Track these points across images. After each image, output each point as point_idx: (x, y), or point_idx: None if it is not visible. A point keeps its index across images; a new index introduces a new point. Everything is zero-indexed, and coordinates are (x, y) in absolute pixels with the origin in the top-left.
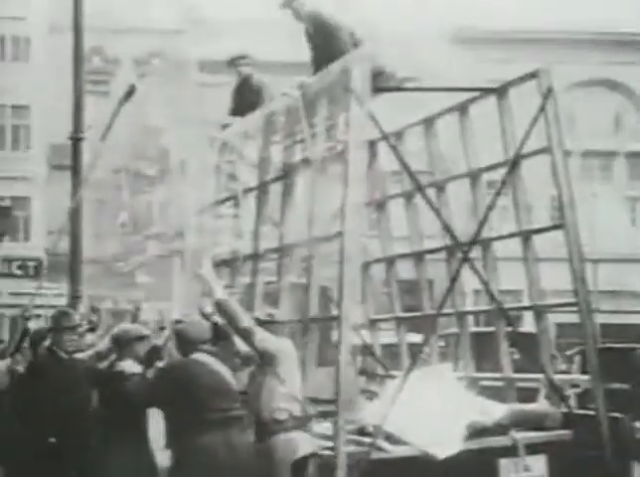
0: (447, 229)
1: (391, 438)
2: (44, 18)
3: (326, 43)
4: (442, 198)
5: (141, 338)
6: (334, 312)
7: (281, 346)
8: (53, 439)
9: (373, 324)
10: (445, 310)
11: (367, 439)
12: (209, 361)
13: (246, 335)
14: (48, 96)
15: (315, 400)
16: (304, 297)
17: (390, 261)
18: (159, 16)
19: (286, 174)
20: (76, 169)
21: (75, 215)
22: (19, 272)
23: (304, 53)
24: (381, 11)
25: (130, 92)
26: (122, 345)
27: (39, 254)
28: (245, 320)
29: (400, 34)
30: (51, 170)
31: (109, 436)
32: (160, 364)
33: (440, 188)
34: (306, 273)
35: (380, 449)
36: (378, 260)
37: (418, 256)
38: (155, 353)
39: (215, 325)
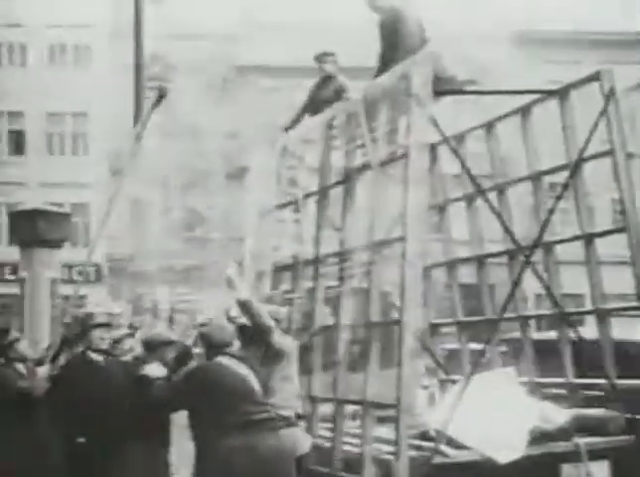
0: (509, 232)
1: (452, 443)
2: (105, 25)
3: (396, 35)
4: (503, 201)
5: (169, 343)
6: (395, 317)
7: (292, 345)
8: (82, 440)
9: (434, 328)
10: (507, 315)
11: (429, 444)
12: (233, 364)
13: (267, 333)
14: (107, 103)
15: (377, 405)
16: (365, 302)
17: (451, 265)
18: (219, 21)
19: (347, 178)
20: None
21: (135, 218)
22: (79, 278)
23: (361, 57)
24: (443, 12)
25: (161, 96)
26: (152, 349)
27: (98, 260)
28: (268, 319)
29: (463, 35)
30: (110, 175)
31: (133, 440)
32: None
33: (501, 191)
34: (367, 278)
35: (441, 454)
36: (439, 264)
37: (480, 260)
38: (186, 354)
39: (241, 328)
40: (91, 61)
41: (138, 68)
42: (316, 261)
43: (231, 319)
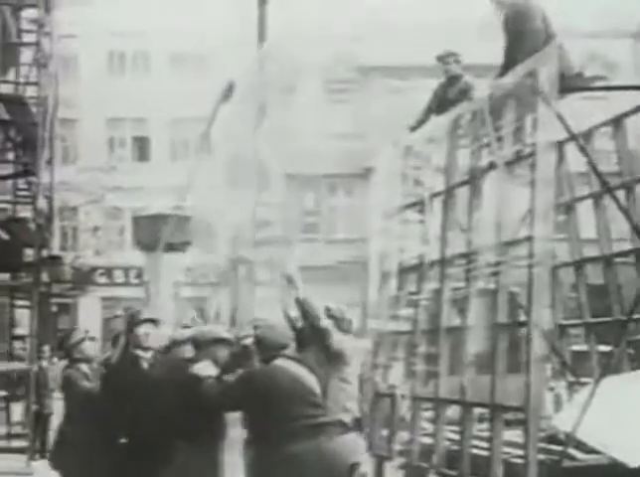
0: (637, 230)
1: (582, 446)
2: (225, 30)
3: (521, 31)
4: (632, 199)
5: (220, 341)
6: (523, 318)
7: (353, 346)
8: (124, 440)
9: (561, 330)
10: (636, 315)
11: (557, 447)
12: (291, 366)
13: (325, 335)
14: (229, 107)
15: (505, 408)
16: (492, 303)
17: (578, 265)
18: (343, 22)
19: (473, 178)
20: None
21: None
22: (202, 281)
23: (486, 54)
24: (569, 8)
25: (229, 90)
26: (200, 347)
27: (222, 263)
28: (325, 320)
29: (589, 31)
30: (233, 177)
31: (181, 441)
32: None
33: (630, 189)
34: (494, 279)
35: (571, 458)
36: (566, 264)
37: (607, 260)
38: (243, 355)
39: (300, 330)
40: (213, 66)
41: (263, 72)
42: (442, 262)
43: (289, 319)
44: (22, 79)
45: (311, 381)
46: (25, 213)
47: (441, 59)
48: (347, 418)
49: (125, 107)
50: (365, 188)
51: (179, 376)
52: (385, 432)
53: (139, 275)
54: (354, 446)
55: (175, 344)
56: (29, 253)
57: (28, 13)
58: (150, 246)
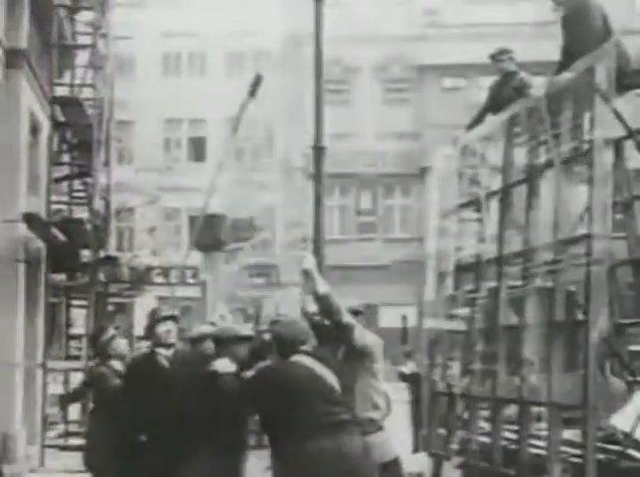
0: None
1: None
2: (281, 31)
3: (581, 29)
4: None
5: (241, 338)
6: (580, 316)
7: (377, 342)
8: (143, 438)
9: (619, 329)
10: None
11: (616, 447)
12: (308, 363)
13: (347, 330)
14: (287, 107)
15: (563, 407)
16: (550, 301)
17: (636, 263)
18: (398, 22)
19: (530, 176)
20: (317, 177)
21: (317, 221)
22: (260, 280)
23: (542, 52)
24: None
25: (257, 83)
26: (221, 344)
27: (279, 262)
28: (346, 315)
29: None
30: (292, 179)
31: (201, 439)
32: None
33: None
34: (552, 277)
35: (629, 458)
36: (624, 263)
37: None
38: (262, 351)
39: (319, 326)
40: (269, 66)
41: (318, 71)
42: (499, 261)
43: (307, 315)
44: (78, 82)
45: (329, 377)
46: (81, 214)
47: (494, 56)
48: (377, 416)
49: (181, 108)
50: (421, 187)
51: (199, 372)
52: (442, 432)
53: (195, 275)
54: (385, 445)
55: (196, 341)
56: (86, 254)
57: (83, 15)
58: (207, 246)
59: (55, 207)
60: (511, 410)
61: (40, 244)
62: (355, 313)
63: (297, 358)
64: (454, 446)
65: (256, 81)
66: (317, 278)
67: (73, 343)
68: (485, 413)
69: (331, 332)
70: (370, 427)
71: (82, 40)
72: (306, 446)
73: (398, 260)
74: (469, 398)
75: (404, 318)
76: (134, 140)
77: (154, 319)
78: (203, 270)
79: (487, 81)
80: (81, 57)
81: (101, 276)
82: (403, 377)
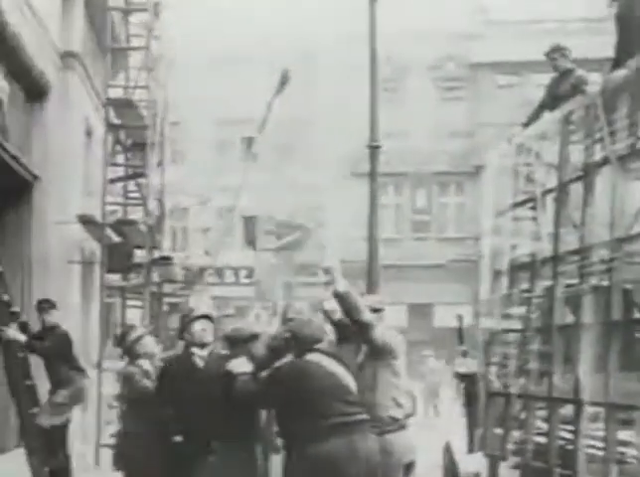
0: None
1: None
2: (330, 30)
3: (635, 25)
4: None
5: (253, 337)
6: (637, 315)
7: (397, 340)
8: (178, 438)
9: None
10: None
11: None
12: (324, 361)
13: (367, 328)
14: (339, 106)
15: (621, 407)
16: (606, 300)
17: None
18: (452, 20)
19: (586, 174)
20: (372, 176)
21: (372, 220)
22: (313, 280)
23: (598, 48)
24: None
25: (285, 80)
26: (234, 344)
27: (334, 261)
28: (366, 313)
29: None
30: (345, 178)
31: (218, 438)
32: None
33: None
34: (608, 275)
35: None
36: None
37: None
38: (280, 349)
39: (337, 323)
40: (321, 65)
41: (373, 70)
42: (555, 259)
43: (325, 313)
44: (131, 83)
45: (345, 376)
46: (135, 214)
47: (549, 54)
48: (399, 414)
49: (233, 108)
50: (476, 185)
51: (217, 373)
52: (498, 432)
53: (249, 275)
54: (407, 445)
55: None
56: (140, 255)
57: (137, 17)
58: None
59: (109, 208)
60: (567, 410)
61: (95, 245)
62: (375, 311)
63: (312, 356)
64: (511, 446)
65: (284, 78)
66: (338, 276)
67: None
68: (542, 413)
69: (351, 330)
70: (392, 426)
71: (136, 42)
72: (320, 446)
73: (452, 259)
74: (525, 398)
75: (460, 317)
76: (187, 141)
77: (188, 318)
78: (257, 270)
79: (541, 79)
80: (135, 58)
81: (156, 276)
82: (459, 376)
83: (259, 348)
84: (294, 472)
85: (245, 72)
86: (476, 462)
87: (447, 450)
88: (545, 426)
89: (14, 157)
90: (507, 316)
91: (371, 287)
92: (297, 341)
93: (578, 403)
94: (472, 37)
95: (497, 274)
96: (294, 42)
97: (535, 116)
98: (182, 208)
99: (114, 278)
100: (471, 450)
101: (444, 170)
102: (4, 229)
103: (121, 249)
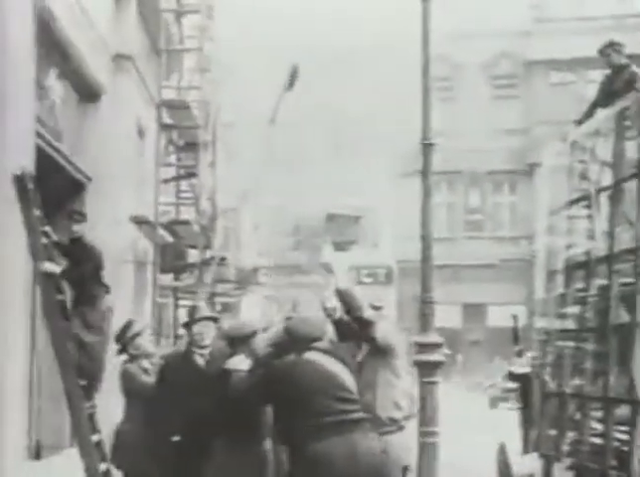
0: None
1: None
2: (384, 29)
3: None
4: None
5: (256, 333)
6: None
7: (399, 339)
8: (176, 438)
9: None
10: None
11: None
12: (322, 360)
13: (368, 326)
14: (392, 105)
15: None
16: None
17: None
18: (505, 18)
19: None
20: (425, 174)
21: (426, 219)
22: (368, 280)
23: None
24: None
25: (294, 75)
26: (235, 343)
27: (388, 262)
28: (367, 310)
29: None
30: (398, 177)
31: (218, 437)
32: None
33: None
34: None
35: None
36: None
37: None
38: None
39: (339, 321)
40: (375, 64)
41: (425, 68)
42: (610, 258)
43: (327, 311)
44: (185, 84)
45: (343, 375)
46: (188, 215)
47: (603, 50)
48: (398, 415)
49: (285, 109)
50: (529, 184)
51: (216, 370)
52: (553, 432)
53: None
54: (406, 446)
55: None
56: (192, 254)
57: (190, 19)
58: (314, 246)
59: (162, 208)
60: (623, 411)
61: (148, 245)
62: (375, 308)
63: (310, 354)
64: (565, 447)
65: (293, 73)
66: (337, 273)
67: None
68: (597, 414)
69: (352, 328)
70: (390, 427)
71: (189, 43)
72: (317, 445)
73: (506, 259)
74: (580, 398)
75: (515, 317)
76: (239, 141)
77: (190, 319)
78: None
79: (595, 75)
80: (188, 59)
81: (208, 276)
82: (514, 377)
83: (260, 345)
84: (293, 470)
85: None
86: (530, 463)
87: (501, 451)
88: (600, 427)
89: (67, 158)
90: (562, 316)
91: (425, 287)
92: (295, 339)
93: (634, 404)
94: (526, 34)
95: (551, 274)
96: (347, 41)
97: (589, 113)
98: (234, 207)
99: (167, 278)
100: (526, 451)
101: (498, 168)
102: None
103: (174, 249)
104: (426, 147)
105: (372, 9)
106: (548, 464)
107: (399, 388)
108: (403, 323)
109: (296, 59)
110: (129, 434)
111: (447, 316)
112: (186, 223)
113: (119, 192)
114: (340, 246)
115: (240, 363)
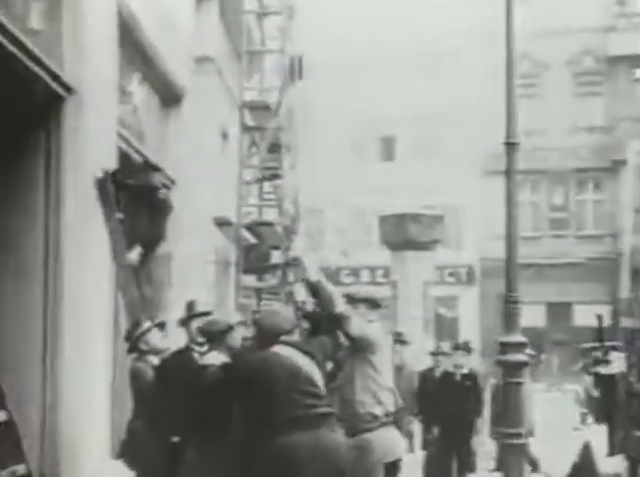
0: None
1: None
2: (473, 29)
3: None
4: None
5: (231, 328)
6: None
7: (377, 333)
8: (175, 439)
9: None
10: None
11: None
12: (289, 354)
13: (341, 320)
14: (476, 104)
15: None
16: None
17: None
18: (588, 14)
19: None
20: (509, 173)
21: (510, 218)
22: (451, 280)
23: None
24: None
25: (299, 66)
26: (211, 338)
27: (471, 261)
28: (340, 304)
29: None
30: (481, 176)
31: (190, 435)
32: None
33: None
34: None
35: None
36: None
37: None
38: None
39: (310, 314)
40: (459, 63)
41: (509, 67)
42: None
43: (297, 305)
44: (266, 86)
45: (311, 369)
46: (271, 216)
47: None
48: (379, 412)
49: (370, 108)
50: (614, 182)
51: (189, 368)
52: (639, 433)
53: (386, 275)
54: (389, 443)
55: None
56: (275, 255)
57: (271, 20)
58: (397, 245)
59: (245, 209)
60: None
61: (230, 246)
62: (374, 306)
63: (277, 348)
64: None
65: (297, 64)
66: (308, 265)
67: None
68: None
69: (325, 322)
70: (371, 424)
71: (271, 44)
72: (281, 440)
73: (591, 257)
74: None
75: (600, 317)
76: (322, 141)
77: (187, 315)
78: (393, 270)
79: None
80: (270, 61)
81: (291, 277)
82: (599, 377)
83: (237, 339)
84: (255, 465)
85: (380, 72)
86: (616, 464)
87: (586, 448)
88: None
89: (150, 161)
90: None
91: (509, 287)
92: (262, 332)
93: None
94: (609, 30)
95: (637, 272)
96: (432, 40)
97: None
98: (317, 208)
99: (250, 279)
100: (612, 452)
101: (582, 166)
102: None
103: (257, 250)
104: (510, 146)
105: (454, 8)
106: (633, 465)
107: (379, 383)
108: (487, 322)
109: (378, 59)
110: (138, 432)
111: (531, 315)
112: (269, 224)
113: (202, 194)
114: (422, 246)
115: (214, 358)
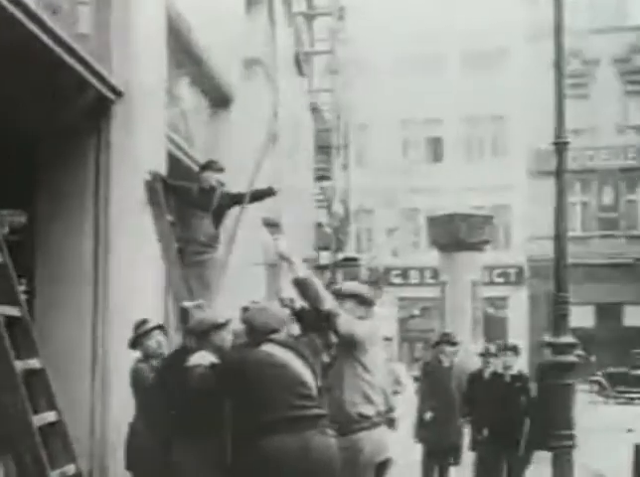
0: None
1: None
2: (520, 27)
3: None
4: None
5: (219, 326)
6: None
7: (367, 331)
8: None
9: None
10: None
11: None
12: (279, 352)
13: (329, 318)
14: (524, 103)
15: None
16: None
17: None
18: (636, 12)
19: None
20: (559, 173)
21: (560, 218)
22: (499, 280)
23: None
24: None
25: (299, 62)
26: (198, 337)
27: (519, 261)
28: (329, 301)
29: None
30: (530, 176)
31: (179, 436)
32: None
33: None
34: None
35: None
36: None
37: None
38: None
39: (299, 312)
40: (507, 63)
41: (558, 66)
42: None
43: (282, 302)
44: (316, 87)
45: (301, 368)
46: (321, 217)
47: None
48: (370, 411)
49: (418, 108)
50: None
51: (179, 369)
52: None
53: (435, 275)
54: (379, 444)
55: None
56: (325, 256)
57: (321, 21)
58: (446, 246)
59: None
60: None
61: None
62: (367, 304)
63: (266, 347)
64: None
65: (298, 61)
66: (294, 262)
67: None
68: None
69: (314, 319)
70: (361, 424)
71: (320, 45)
72: (271, 441)
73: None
74: None
75: None
76: (372, 142)
77: (186, 314)
78: (442, 270)
79: None
80: (319, 62)
81: (341, 277)
82: None
83: (226, 339)
84: (240, 466)
85: (431, 71)
86: None
87: (638, 452)
88: None
89: (199, 164)
90: None
91: (559, 287)
92: (251, 330)
93: None
94: None
95: None
96: (482, 39)
97: None
98: (367, 209)
99: None
100: None
101: (632, 165)
102: None
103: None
104: (560, 146)
105: (505, 9)
106: None
107: (370, 382)
108: (537, 323)
109: (427, 60)
110: (139, 434)
111: (580, 316)
112: (318, 225)
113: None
114: (471, 246)
115: (201, 358)
